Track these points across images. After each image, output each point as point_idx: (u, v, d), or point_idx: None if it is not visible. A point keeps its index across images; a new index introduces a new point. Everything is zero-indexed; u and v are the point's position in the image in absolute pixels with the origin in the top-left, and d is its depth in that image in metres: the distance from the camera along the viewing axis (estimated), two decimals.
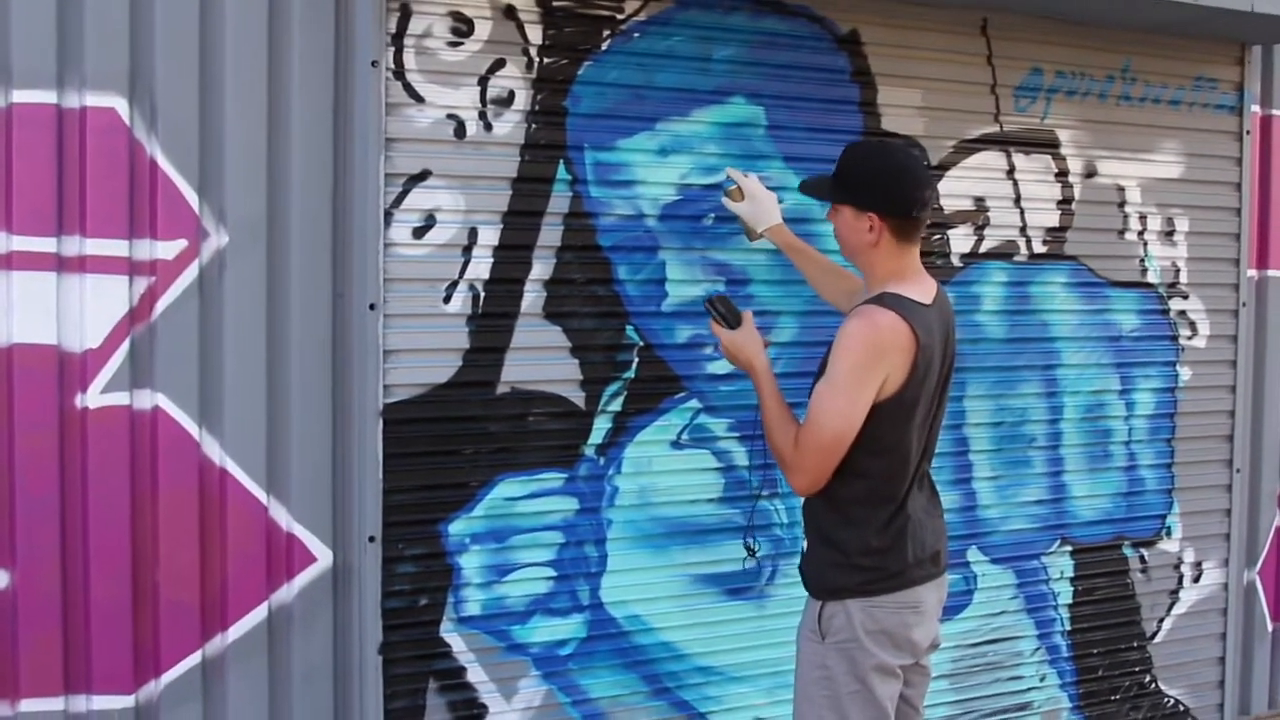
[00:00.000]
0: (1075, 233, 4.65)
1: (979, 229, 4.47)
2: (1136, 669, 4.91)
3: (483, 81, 3.69)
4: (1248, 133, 4.97)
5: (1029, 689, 4.67)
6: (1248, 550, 5.17)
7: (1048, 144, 4.59)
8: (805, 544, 3.36)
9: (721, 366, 3.98)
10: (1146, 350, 4.83)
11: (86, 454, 3.29)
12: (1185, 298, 4.91)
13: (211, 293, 3.41)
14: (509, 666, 3.83)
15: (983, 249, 4.48)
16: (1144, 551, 4.88)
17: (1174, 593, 4.97)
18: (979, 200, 4.46)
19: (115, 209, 3.29)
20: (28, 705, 3.27)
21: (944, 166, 4.38)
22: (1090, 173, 4.67)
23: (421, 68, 3.61)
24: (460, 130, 3.67)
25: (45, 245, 3.23)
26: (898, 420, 3.13)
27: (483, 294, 3.71)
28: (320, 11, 3.51)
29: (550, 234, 3.79)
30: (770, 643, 4.10)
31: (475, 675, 3.78)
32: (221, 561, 3.46)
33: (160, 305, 3.35)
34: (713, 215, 3.98)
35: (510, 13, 3.71)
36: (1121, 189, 4.74)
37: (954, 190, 4.39)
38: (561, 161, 3.80)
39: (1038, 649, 4.68)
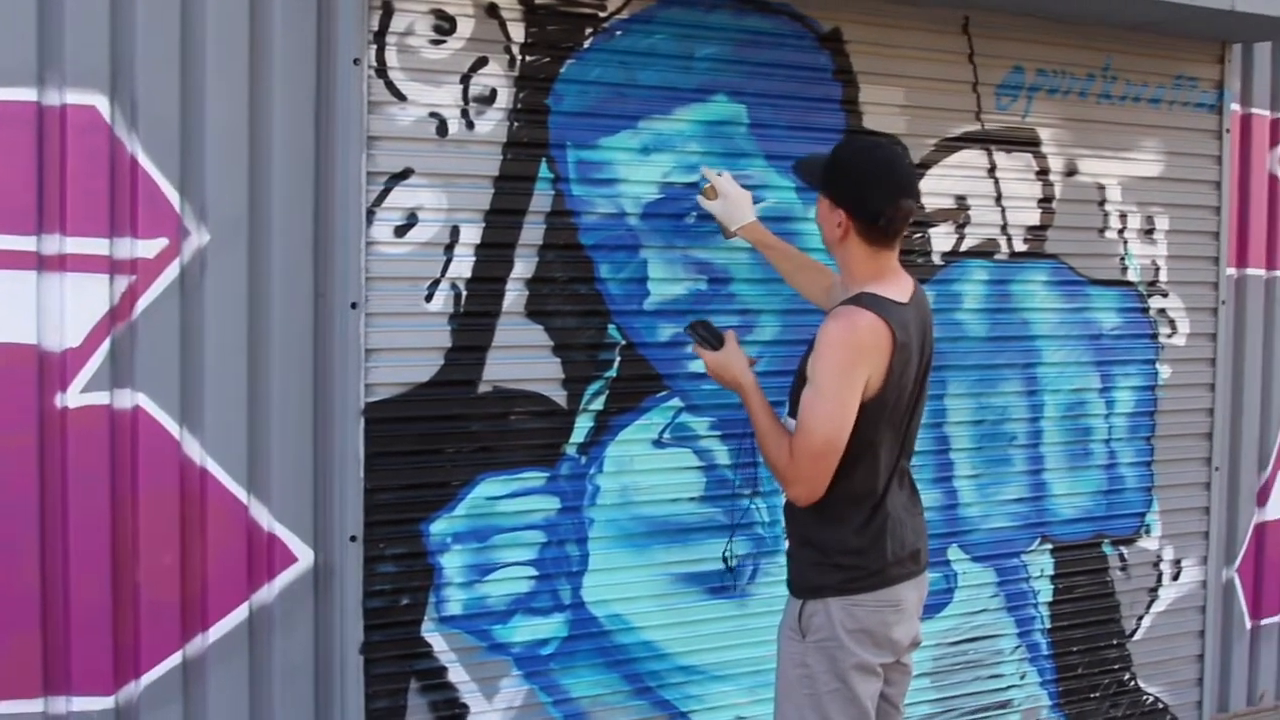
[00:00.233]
0: (1056, 231, 4.67)
1: (960, 227, 4.48)
2: (1116, 666, 4.93)
3: (465, 79, 3.68)
4: (1227, 131, 5.00)
5: (1009, 687, 4.69)
6: (1226, 548, 5.20)
7: (1029, 142, 4.60)
8: (786, 544, 3.36)
9: (703, 365, 3.97)
10: (1126, 348, 4.86)
11: (66, 454, 3.27)
12: (1165, 296, 4.93)
13: (192, 291, 3.39)
14: (490, 666, 3.82)
15: (964, 247, 4.49)
16: (1123, 549, 4.90)
17: (1153, 590, 4.99)
18: (960, 198, 4.47)
19: (96, 207, 3.27)
20: (6, 707, 3.25)
21: (925, 164, 4.39)
22: (1071, 171, 4.69)
23: (404, 65, 3.59)
24: (442, 128, 3.66)
25: (25, 244, 3.20)
26: (877, 419, 3.14)
27: (464, 292, 3.70)
28: (302, 9, 3.49)
29: (532, 232, 3.79)
30: (751, 641, 4.10)
31: (457, 675, 3.77)
32: (202, 561, 3.45)
33: (141, 304, 3.34)
34: (694, 214, 3.98)
35: (492, 11, 3.70)
36: (1102, 187, 4.76)
37: (935, 188, 4.40)
38: (544, 160, 3.79)
39: (1018, 647, 4.70)
